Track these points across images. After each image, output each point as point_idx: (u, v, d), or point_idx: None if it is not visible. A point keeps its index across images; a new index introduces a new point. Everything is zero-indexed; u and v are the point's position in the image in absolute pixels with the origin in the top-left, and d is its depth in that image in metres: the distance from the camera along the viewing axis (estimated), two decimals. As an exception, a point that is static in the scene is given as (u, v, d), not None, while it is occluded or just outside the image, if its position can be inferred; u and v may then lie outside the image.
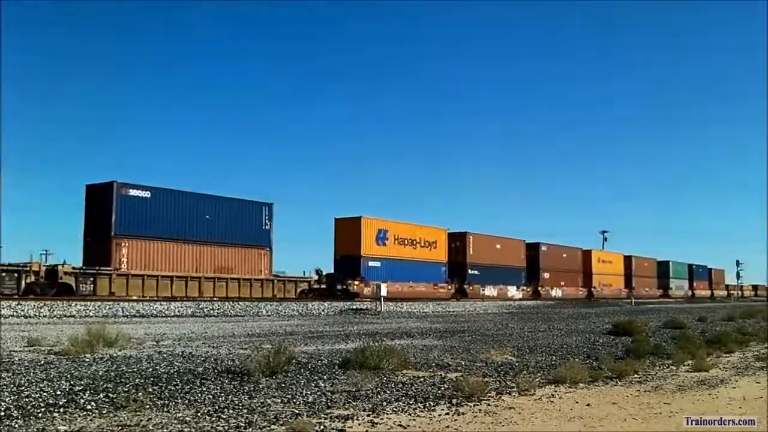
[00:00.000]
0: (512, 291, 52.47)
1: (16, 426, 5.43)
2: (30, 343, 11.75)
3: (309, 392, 7.36)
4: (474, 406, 6.89)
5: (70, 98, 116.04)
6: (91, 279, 28.08)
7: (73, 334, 11.45)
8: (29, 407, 6.10)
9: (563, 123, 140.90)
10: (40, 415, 5.83)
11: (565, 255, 60.97)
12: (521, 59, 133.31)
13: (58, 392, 6.86)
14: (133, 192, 30.20)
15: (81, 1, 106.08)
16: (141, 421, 5.72)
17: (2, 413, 5.83)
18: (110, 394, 6.80)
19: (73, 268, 28.06)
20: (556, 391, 7.97)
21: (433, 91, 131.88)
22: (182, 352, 11.19)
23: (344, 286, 37.83)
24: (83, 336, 10.97)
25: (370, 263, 39.51)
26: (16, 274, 25.97)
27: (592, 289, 64.00)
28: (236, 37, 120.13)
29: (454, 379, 8.32)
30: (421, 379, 8.60)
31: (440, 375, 9.09)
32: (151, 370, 8.69)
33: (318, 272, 39.34)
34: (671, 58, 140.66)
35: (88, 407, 6.20)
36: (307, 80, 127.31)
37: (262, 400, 6.79)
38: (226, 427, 5.60)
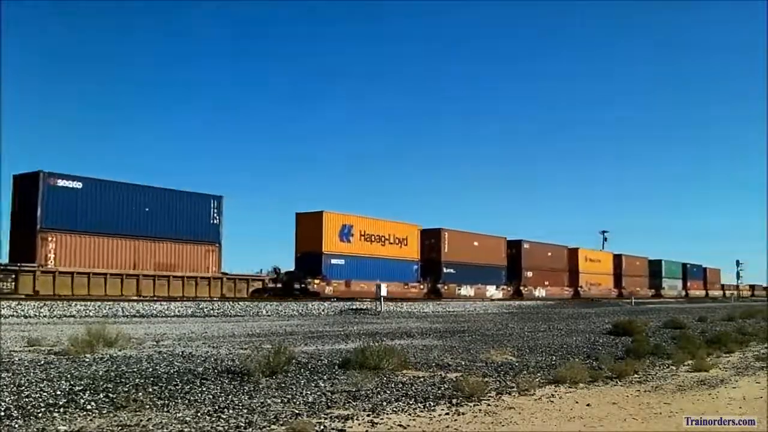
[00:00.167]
0: (491, 291, 50.24)
1: (16, 426, 5.43)
2: (30, 343, 11.75)
3: (309, 392, 7.37)
4: (474, 406, 6.89)
5: (70, 97, 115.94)
6: (13, 276, 25.90)
7: (73, 334, 11.45)
8: (29, 407, 6.10)
9: (560, 122, 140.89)
10: (40, 415, 5.83)
11: (549, 253, 58.55)
12: (519, 58, 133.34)
13: (58, 392, 6.86)
14: (61, 182, 27.91)
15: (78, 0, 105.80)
16: (141, 421, 5.72)
17: (2, 413, 5.83)
18: (110, 394, 6.80)
19: None
20: (556, 391, 7.97)
21: (426, 90, 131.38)
22: (182, 352, 11.19)
23: (303, 285, 35.80)
24: (83, 336, 10.97)
25: (333, 261, 37.38)
26: None
27: (579, 288, 61.81)
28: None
29: (454, 379, 8.32)
30: (421, 379, 8.60)
31: (440, 375, 9.10)
32: (151, 370, 8.70)
33: (276, 270, 37.19)
34: (671, 57, 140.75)
35: (88, 407, 6.20)
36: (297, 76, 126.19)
37: (262, 400, 6.80)
38: (226, 427, 5.60)
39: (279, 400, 6.83)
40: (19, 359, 9.62)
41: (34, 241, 27.11)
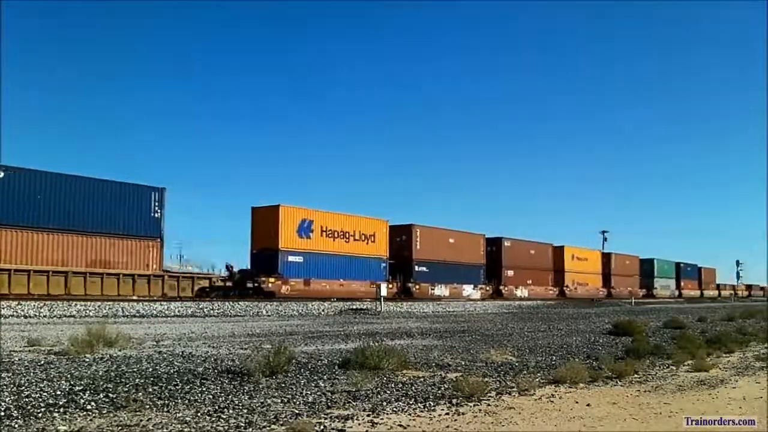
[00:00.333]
0: (468, 290, 47.58)
1: (16, 426, 5.43)
2: (30, 343, 11.74)
3: (309, 392, 7.37)
4: (474, 406, 6.89)
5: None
6: None
7: (73, 334, 11.44)
8: (29, 407, 6.10)
9: (556, 122, 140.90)
10: (40, 415, 5.83)
11: (533, 251, 55.79)
12: (517, 59, 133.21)
13: (58, 392, 6.86)
14: None
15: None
16: (141, 421, 5.72)
17: (2, 413, 5.83)
18: (110, 394, 6.80)
19: None
20: (556, 391, 7.97)
21: (404, 84, 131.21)
22: (182, 352, 11.19)
23: (256, 284, 33.61)
24: (83, 336, 10.97)
25: (290, 258, 35.09)
26: None
27: (565, 288, 59.22)
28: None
29: (454, 379, 8.32)
30: (421, 379, 8.60)
31: (440, 375, 9.10)
32: (151, 370, 8.70)
33: (228, 268, 35.21)
34: (670, 57, 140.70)
35: (88, 407, 6.20)
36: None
37: (262, 400, 6.80)
38: (226, 427, 5.60)
39: (279, 400, 6.83)
40: (19, 359, 9.62)
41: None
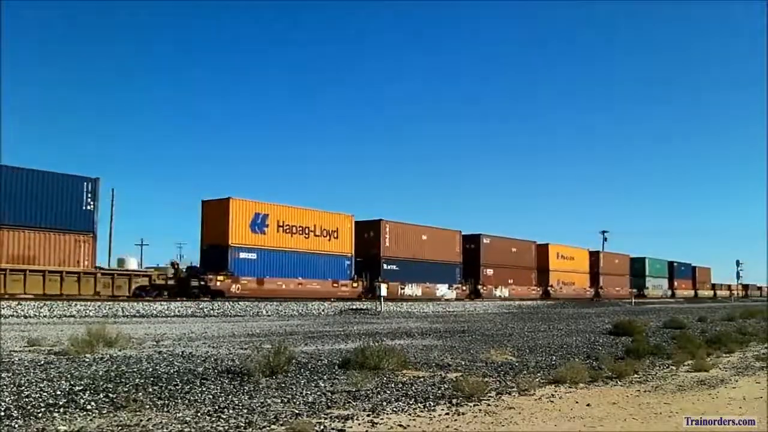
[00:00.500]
0: (443, 290, 44.88)
1: (16, 426, 5.43)
2: (30, 343, 11.75)
3: (309, 392, 7.37)
4: (474, 406, 6.89)
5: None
6: None
7: (73, 334, 11.45)
8: (29, 407, 6.10)
9: (554, 121, 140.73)
10: (40, 415, 5.83)
11: (514, 249, 53.03)
12: (516, 58, 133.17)
13: (58, 392, 6.86)
14: None
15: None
16: (141, 421, 5.72)
17: (2, 413, 5.83)
18: (110, 394, 6.80)
19: None
20: (556, 391, 7.97)
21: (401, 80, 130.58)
22: (182, 352, 11.19)
23: (203, 282, 31.17)
24: (83, 336, 10.98)
25: (242, 254, 32.75)
26: None
27: (549, 288, 56.73)
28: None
29: (454, 379, 8.32)
30: (421, 379, 8.60)
31: (440, 375, 9.10)
32: (151, 370, 8.70)
33: (174, 265, 32.99)
34: (670, 55, 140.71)
35: (88, 407, 6.20)
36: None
37: (262, 400, 6.80)
38: (226, 427, 5.60)
39: (279, 400, 6.83)
40: (19, 359, 9.62)
41: None
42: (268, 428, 5.65)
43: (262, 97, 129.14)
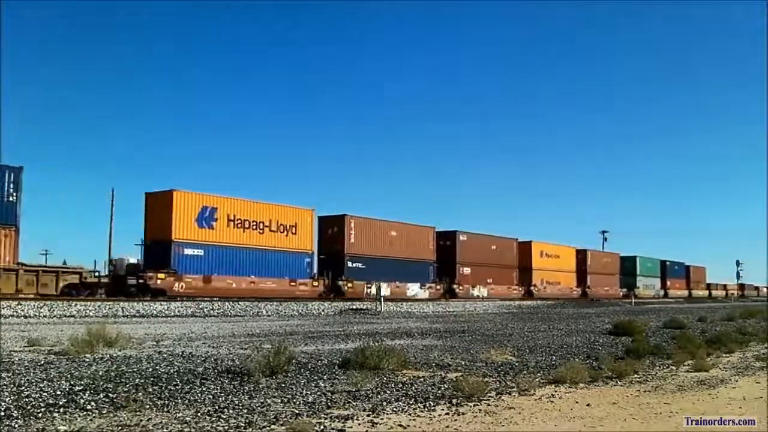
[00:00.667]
0: (414, 289, 42.68)
1: (16, 426, 5.43)
2: (30, 343, 11.75)
3: (309, 392, 7.37)
4: (474, 406, 6.89)
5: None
6: None
7: (73, 334, 11.45)
8: (29, 407, 6.10)
9: (551, 122, 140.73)
10: (40, 415, 5.83)
11: (494, 247, 50.76)
12: (516, 58, 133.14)
13: (58, 392, 6.86)
14: None
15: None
16: (141, 421, 5.72)
17: (2, 413, 5.83)
18: (110, 394, 6.80)
19: None
20: (556, 391, 7.97)
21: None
22: (182, 352, 11.19)
23: (141, 280, 29.25)
24: (83, 336, 10.98)
25: (188, 251, 30.72)
26: None
27: (532, 287, 54.88)
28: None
29: (454, 379, 8.32)
30: (421, 379, 8.60)
31: (440, 375, 9.09)
32: (151, 370, 8.70)
33: (113, 262, 31.14)
34: (670, 53, 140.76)
35: (88, 407, 6.20)
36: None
37: (262, 400, 6.80)
38: (226, 427, 5.60)
39: (279, 400, 6.83)
40: (19, 359, 9.62)
41: None
42: (268, 428, 5.65)
43: (262, 97, 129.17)
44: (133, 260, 31.87)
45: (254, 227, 33.88)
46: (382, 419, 6.13)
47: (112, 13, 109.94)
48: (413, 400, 7.11)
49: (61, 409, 6.08)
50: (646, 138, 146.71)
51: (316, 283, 36.60)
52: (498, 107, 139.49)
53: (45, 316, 22.07)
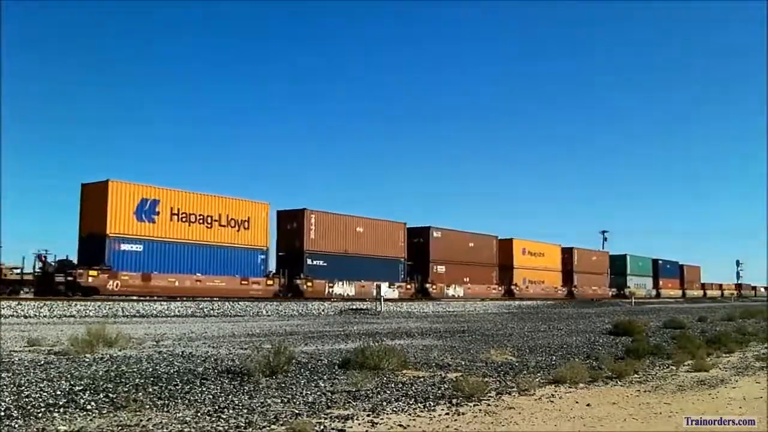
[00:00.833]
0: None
1: (16, 426, 5.43)
2: (30, 343, 11.75)
3: (309, 392, 7.37)
4: (474, 406, 6.89)
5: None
6: None
7: (73, 334, 11.45)
8: (29, 407, 6.10)
9: (550, 120, 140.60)
10: (40, 415, 5.83)
11: (471, 244, 48.02)
12: (515, 58, 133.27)
13: (58, 392, 6.86)
14: None
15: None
16: (141, 421, 5.72)
17: (2, 413, 5.83)
18: (110, 394, 6.80)
19: None
20: (556, 391, 7.97)
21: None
22: (182, 352, 11.19)
23: (70, 278, 26.94)
24: (83, 336, 10.98)
25: (124, 246, 28.41)
26: None
27: (513, 286, 52.27)
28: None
29: (454, 379, 8.32)
30: (421, 379, 8.60)
31: (440, 375, 9.10)
32: (151, 370, 8.70)
33: (41, 257, 28.30)
34: (669, 53, 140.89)
35: (88, 407, 6.20)
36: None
37: (262, 400, 6.80)
38: (226, 427, 5.60)
39: (279, 400, 6.83)
40: (19, 359, 9.62)
41: None
42: (268, 428, 5.65)
43: (262, 97, 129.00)
44: (65, 257, 29.28)
45: (201, 221, 31.70)
46: (382, 419, 6.13)
47: (113, 13, 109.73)
48: (413, 400, 7.11)
49: (61, 409, 6.08)
50: (646, 138, 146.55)
51: (270, 282, 34.21)
52: (501, 107, 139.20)
53: (45, 316, 22.08)
